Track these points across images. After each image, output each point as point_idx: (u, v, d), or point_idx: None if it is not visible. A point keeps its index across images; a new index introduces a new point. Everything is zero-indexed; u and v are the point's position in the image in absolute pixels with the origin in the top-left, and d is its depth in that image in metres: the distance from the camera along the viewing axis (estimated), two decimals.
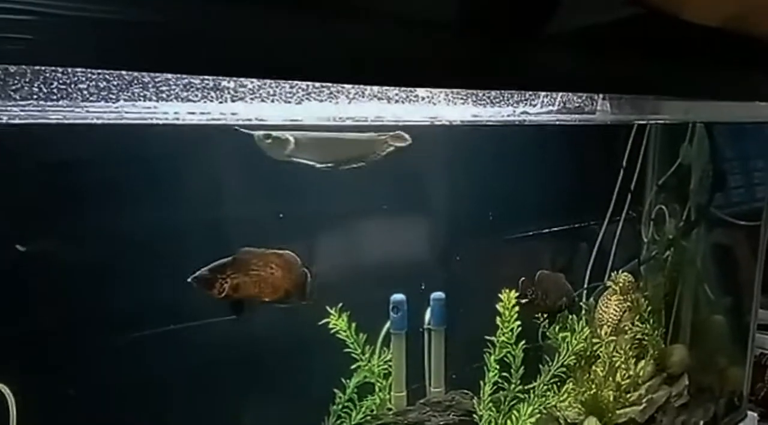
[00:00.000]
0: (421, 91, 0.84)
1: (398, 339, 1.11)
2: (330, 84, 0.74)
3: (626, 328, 1.42)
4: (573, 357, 1.26)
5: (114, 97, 0.61)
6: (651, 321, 1.49)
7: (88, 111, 0.60)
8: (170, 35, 0.52)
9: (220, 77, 0.66)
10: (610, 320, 1.39)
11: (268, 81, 0.69)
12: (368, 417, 1.09)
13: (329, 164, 0.89)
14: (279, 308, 0.95)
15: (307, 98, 0.73)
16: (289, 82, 0.71)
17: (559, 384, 1.25)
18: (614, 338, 1.38)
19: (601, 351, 1.34)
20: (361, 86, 0.77)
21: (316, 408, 1.06)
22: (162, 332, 0.93)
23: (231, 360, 1.01)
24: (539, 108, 1.00)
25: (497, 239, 1.36)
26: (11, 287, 0.80)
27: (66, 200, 0.83)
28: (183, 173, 0.93)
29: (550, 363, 1.24)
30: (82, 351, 0.87)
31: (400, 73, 0.69)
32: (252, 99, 0.69)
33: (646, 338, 1.48)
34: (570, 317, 1.29)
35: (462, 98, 0.89)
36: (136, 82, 0.62)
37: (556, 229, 1.46)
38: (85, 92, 0.59)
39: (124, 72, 0.60)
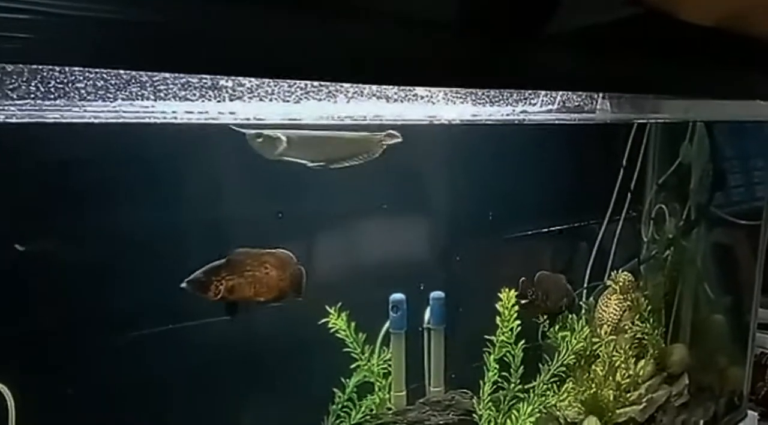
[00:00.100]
0: (420, 91, 0.84)
1: (398, 338, 1.11)
2: (329, 83, 0.74)
3: (626, 327, 1.42)
4: (573, 356, 1.26)
5: (112, 96, 0.61)
6: (651, 320, 1.49)
7: (85, 110, 0.60)
8: (169, 34, 0.52)
9: (219, 77, 0.66)
10: (610, 319, 1.39)
11: (266, 80, 0.69)
12: (368, 417, 1.09)
13: (321, 163, 0.89)
14: (278, 307, 0.95)
15: (305, 97, 0.73)
16: (288, 81, 0.70)
17: (558, 383, 1.25)
18: (614, 337, 1.38)
19: (601, 351, 1.34)
20: (360, 85, 0.77)
21: (315, 407, 1.06)
22: (160, 332, 0.93)
23: (230, 360, 1.01)
24: (539, 107, 0.99)
25: (497, 239, 1.36)
26: (8, 287, 0.80)
27: (58, 200, 0.83)
28: (180, 173, 0.93)
29: (550, 363, 1.24)
30: (78, 350, 0.87)
31: (400, 72, 0.69)
32: (250, 98, 0.69)
33: (646, 337, 1.48)
34: (570, 316, 1.29)
35: (461, 97, 0.89)
36: (134, 81, 0.61)
37: (556, 228, 1.46)
38: (82, 91, 0.59)
39: (122, 71, 0.60)
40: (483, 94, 0.91)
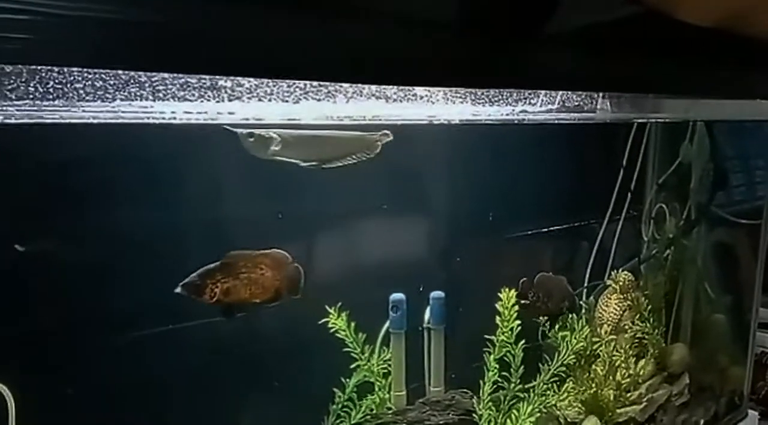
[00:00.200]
0: (419, 90, 0.84)
1: (397, 338, 1.11)
2: (328, 83, 0.74)
3: (626, 327, 1.42)
4: (573, 356, 1.26)
5: (110, 96, 0.61)
6: (651, 319, 1.49)
7: (84, 110, 0.60)
8: (169, 35, 0.52)
9: (218, 77, 0.66)
10: (610, 319, 1.39)
11: (265, 80, 0.69)
12: (368, 417, 1.09)
13: (314, 163, 0.88)
14: (279, 307, 0.95)
15: (304, 97, 0.73)
16: (287, 81, 0.70)
17: (559, 383, 1.25)
18: (614, 337, 1.38)
19: (601, 350, 1.34)
20: (359, 85, 0.76)
21: (315, 407, 1.06)
22: (159, 332, 0.93)
23: (230, 360, 1.01)
24: (539, 107, 0.99)
25: (497, 238, 1.36)
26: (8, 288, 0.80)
27: (55, 200, 0.83)
28: (177, 174, 0.93)
29: (550, 362, 1.24)
30: (78, 350, 0.87)
31: (400, 73, 0.69)
32: (249, 98, 0.69)
33: (647, 337, 1.48)
34: (570, 317, 1.29)
35: (461, 97, 0.89)
36: (132, 81, 0.61)
37: (556, 228, 1.46)
38: (81, 92, 0.59)
39: (120, 72, 0.60)
40: (483, 94, 0.91)
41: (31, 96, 0.57)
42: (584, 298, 1.50)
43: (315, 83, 0.73)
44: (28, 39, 0.46)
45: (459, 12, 0.69)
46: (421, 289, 1.16)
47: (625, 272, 1.46)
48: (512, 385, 1.18)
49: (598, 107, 1.09)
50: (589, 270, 1.54)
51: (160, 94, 0.63)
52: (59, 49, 0.48)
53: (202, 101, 0.66)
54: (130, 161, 0.87)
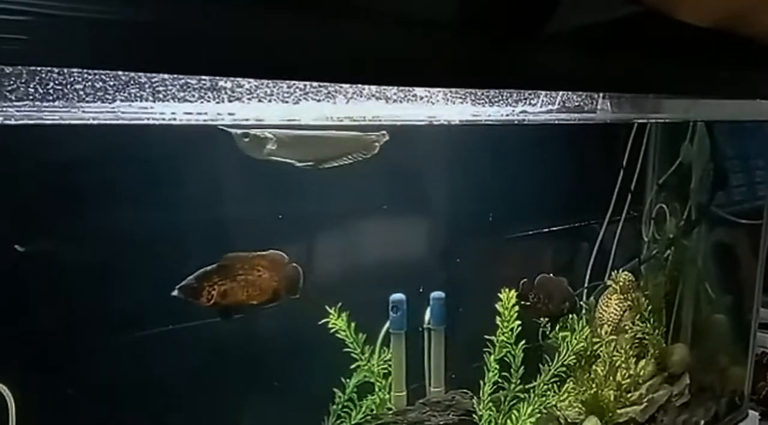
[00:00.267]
0: (419, 91, 0.84)
1: (398, 338, 1.11)
2: (328, 84, 0.74)
3: (627, 327, 1.42)
4: (573, 356, 1.26)
5: (110, 97, 0.61)
6: (652, 320, 1.49)
7: (84, 111, 0.60)
8: (168, 35, 0.52)
9: (218, 77, 0.66)
10: (610, 319, 1.39)
11: (265, 81, 0.69)
12: (368, 417, 1.09)
13: (310, 163, 0.88)
14: (280, 308, 0.95)
15: (304, 98, 0.73)
16: (287, 82, 0.70)
17: (559, 383, 1.25)
18: (615, 337, 1.38)
19: (601, 351, 1.34)
20: (359, 86, 0.76)
21: (315, 407, 1.06)
22: (159, 333, 0.93)
23: (230, 360, 1.01)
24: (539, 107, 0.99)
25: (497, 239, 1.36)
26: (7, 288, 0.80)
27: (52, 201, 0.83)
28: (177, 175, 0.93)
29: (550, 363, 1.24)
30: (78, 351, 0.87)
31: (400, 73, 0.69)
32: (249, 99, 0.69)
33: (647, 337, 1.48)
34: (571, 317, 1.29)
35: (461, 98, 0.89)
36: (132, 82, 0.61)
37: (556, 228, 1.46)
38: (81, 93, 0.59)
39: (120, 72, 0.60)
40: (483, 94, 0.91)
41: (30, 97, 0.57)
42: (584, 298, 1.49)
43: (315, 84, 0.73)
44: (27, 40, 0.46)
45: (459, 12, 0.69)
46: (420, 290, 1.16)
47: (626, 272, 1.45)
48: (512, 386, 1.18)
49: (599, 107, 1.09)
50: (589, 271, 1.54)
51: (160, 95, 0.63)
52: (59, 50, 0.48)
53: (202, 102, 0.66)
54: (128, 162, 0.87)
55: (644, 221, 1.69)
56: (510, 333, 1.15)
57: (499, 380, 1.17)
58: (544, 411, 1.23)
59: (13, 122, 0.57)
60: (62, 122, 0.60)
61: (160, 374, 0.94)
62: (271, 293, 0.93)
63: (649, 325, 1.48)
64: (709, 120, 1.58)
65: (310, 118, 0.78)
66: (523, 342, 1.17)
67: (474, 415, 1.15)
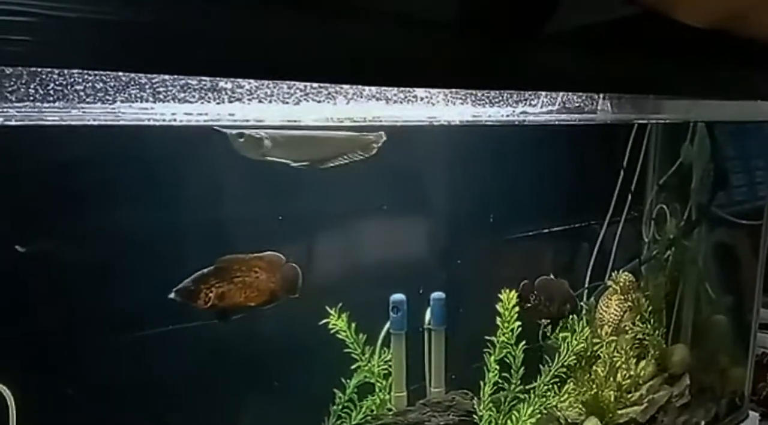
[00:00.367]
0: (419, 92, 0.84)
1: (398, 339, 1.11)
2: (328, 85, 0.74)
3: (627, 328, 1.42)
4: (573, 357, 1.26)
5: (111, 98, 0.61)
6: (652, 320, 1.49)
7: (84, 112, 0.60)
8: (168, 36, 0.52)
9: (218, 78, 0.66)
10: (610, 320, 1.39)
11: (265, 82, 0.69)
12: (368, 418, 1.09)
13: (305, 163, 0.88)
14: (280, 308, 0.95)
15: (305, 99, 0.73)
16: (287, 82, 0.70)
17: (559, 384, 1.25)
18: (615, 338, 1.37)
19: (601, 351, 1.34)
20: (359, 87, 0.76)
21: (315, 408, 1.06)
22: (160, 333, 0.93)
23: (230, 361, 1.01)
24: (539, 108, 0.99)
25: (498, 240, 1.36)
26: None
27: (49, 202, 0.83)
28: (178, 175, 0.93)
29: (551, 363, 1.24)
30: (78, 351, 0.87)
31: (400, 73, 0.69)
32: (250, 100, 0.69)
33: (647, 338, 1.48)
34: (571, 318, 1.29)
35: (461, 98, 0.89)
36: (133, 83, 0.61)
37: (556, 229, 1.46)
38: (81, 94, 0.59)
39: (121, 73, 0.60)
40: (483, 95, 0.91)
41: (31, 98, 0.57)
42: (585, 299, 1.49)
43: (315, 85, 0.73)
44: (27, 41, 0.46)
45: (459, 12, 0.69)
46: (420, 291, 1.16)
47: (626, 273, 1.45)
48: (513, 386, 1.18)
49: (599, 108, 1.09)
50: (589, 271, 1.54)
51: (161, 96, 0.63)
52: (59, 51, 0.48)
53: (202, 103, 0.66)
54: (122, 164, 0.86)
55: (644, 222, 1.68)
56: (510, 333, 1.15)
57: (500, 380, 1.17)
58: (545, 411, 1.23)
59: (13, 122, 0.57)
60: (62, 122, 0.60)
61: (161, 374, 0.94)
62: (269, 295, 0.93)
63: (649, 326, 1.48)
64: (709, 121, 1.58)
65: (310, 119, 0.78)
66: (524, 342, 1.17)
67: (474, 416, 1.15)
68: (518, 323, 1.15)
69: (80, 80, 0.58)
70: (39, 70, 0.57)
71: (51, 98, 0.58)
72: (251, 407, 1.06)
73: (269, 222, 1.01)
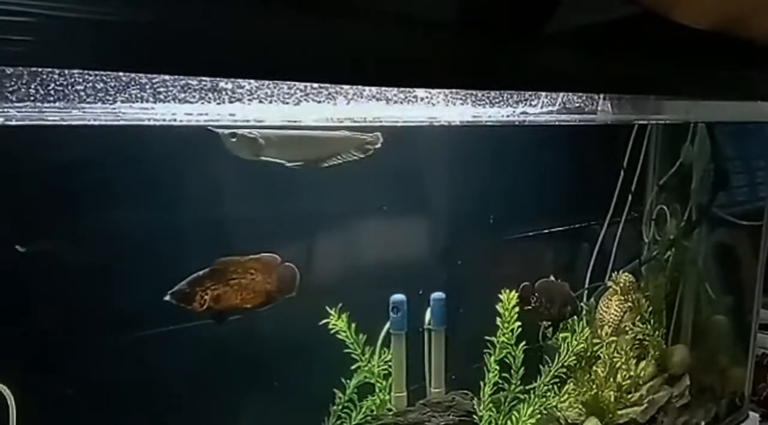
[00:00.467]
0: (420, 92, 0.84)
1: (398, 339, 1.11)
2: (329, 85, 0.74)
3: (627, 328, 1.42)
4: (573, 357, 1.26)
5: (111, 98, 0.61)
6: (652, 321, 1.49)
7: (84, 112, 0.60)
8: (168, 36, 0.52)
9: (218, 79, 0.66)
10: (610, 320, 1.39)
11: (265, 82, 0.69)
12: (368, 418, 1.09)
13: (299, 163, 0.87)
14: (280, 309, 0.95)
15: (305, 99, 0.73)
16: (287, 82, 0.70)
17: (559, 384, 1.25)
18: (615, 338, 1.37)
19: (601, 352, 1.34)
20: (360, 87, 0.76)
21: (315, 408, 1.06)
22: (160, 333, 0.93)
23: (231, 361, 1.01)
24: (539, 108, 0.99)
25: (498, 240, 1.36)
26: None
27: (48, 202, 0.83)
28: (178, 176, 0.93)
29: (551, 364, 1.24)
30: (78, 351, 0.87)
31: (400, 73, 0.69)
32: (250, 100, 0.69)
33: (647, 338, 1.48)
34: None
35: (461, 99, 0.89)
36: (133, 83, 0.61)
37: (557, 229, 1.46)
38: (82, 94, 0.59)
39: (121, 73, 0.60)
40: (483, 95, 0.91)
41: (32, 98, 0.57)
42: (585, 299, 1.49)
43: (315, 85, 0.73)
44: (28, 41, 0.46)
45: (459, 12, 0.69)
46: (420, 292, 1.16)
47: (626, 273, 1.45)
48: (513, 386, 1.18)
49: (599, 108, 1.09)
50: (589, 272, 1.54)
51: (161, 97, 0.63)
52: (59, 51, 0.48)
53: (202, 103, 0.66)
54: (117, 164, 0.86)
55: (645, 222, 1.68)
56: (510, 333, 1.15)
57: (500, 381, 1.17)
58: (545, 412, 1.23)
59: (14, 122, 0.57)
60: (63, 122, 0.60)
61: (161, 374, 0.94)
62: (265, 296, 0.92)
63: (649, 326, 1.48)
64: (709, 121, 1.58)
65: (310, 119, 0.77)
66: (524, 343, 1.17)
67: (474, 416, 1.15)
68: (518, 323, 1.15)
69: (81, 80, 0.59)
70: (39, 70, 0.57)
71: (51, 98, 0.58)
72: (251, 407, 1.06)
73: (275, 223, 1.01)
